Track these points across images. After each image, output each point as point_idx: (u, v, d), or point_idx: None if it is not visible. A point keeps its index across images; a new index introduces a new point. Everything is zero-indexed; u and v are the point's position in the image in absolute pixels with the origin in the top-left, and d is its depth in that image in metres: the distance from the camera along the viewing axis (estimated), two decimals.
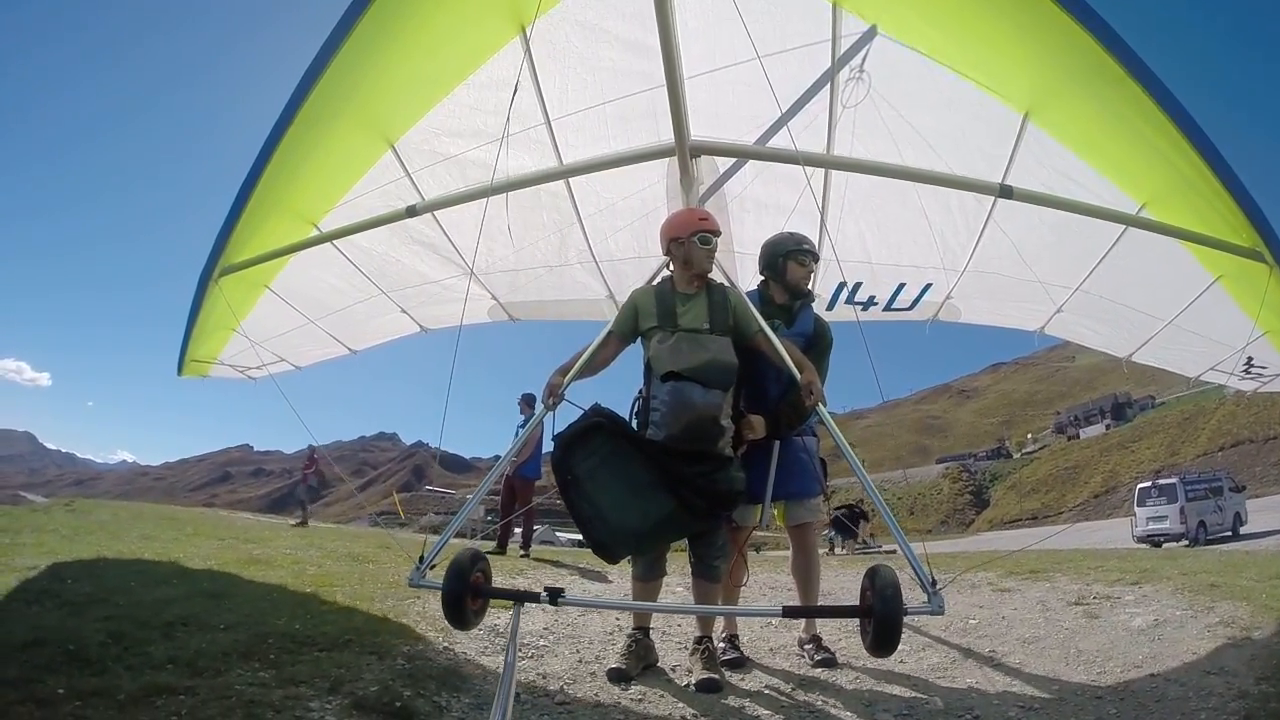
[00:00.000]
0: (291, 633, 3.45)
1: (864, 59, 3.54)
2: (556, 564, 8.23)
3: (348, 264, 4.93)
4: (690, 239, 3.51)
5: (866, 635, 2.73)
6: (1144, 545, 19.36)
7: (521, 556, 8.64)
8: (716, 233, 3.58)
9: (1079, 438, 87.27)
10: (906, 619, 2.67)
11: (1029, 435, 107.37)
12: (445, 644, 3.74)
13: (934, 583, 2.78)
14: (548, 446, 9.11)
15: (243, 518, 14.82)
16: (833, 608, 3.85)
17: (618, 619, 4.73)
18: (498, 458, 6.23)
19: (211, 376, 5.29)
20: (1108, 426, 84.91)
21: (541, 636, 4.21)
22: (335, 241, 4.53)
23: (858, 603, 2.85)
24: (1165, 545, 19.18)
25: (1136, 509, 22.91)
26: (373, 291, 5.31)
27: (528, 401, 9.43)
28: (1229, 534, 21.40)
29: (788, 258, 3.98)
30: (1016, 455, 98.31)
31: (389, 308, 5.57)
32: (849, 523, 20.55)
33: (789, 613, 3.37)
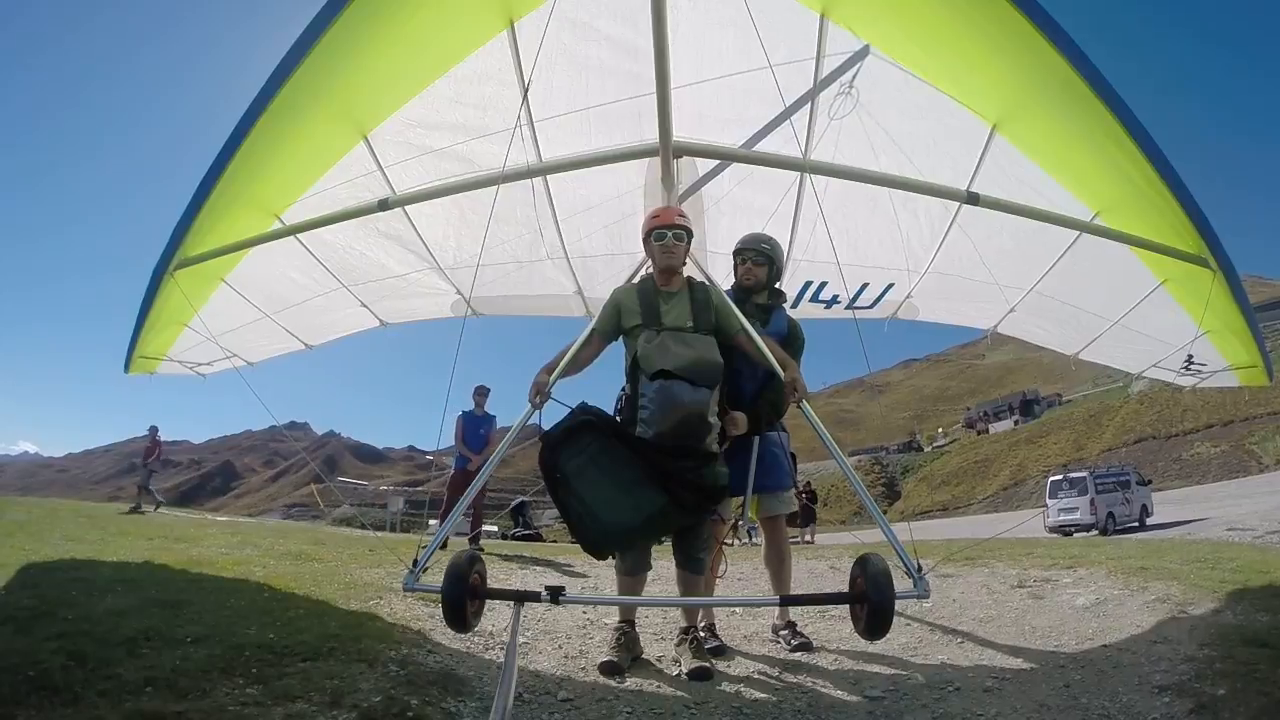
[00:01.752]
0: (267, 643, 3.30)
1: (855, 75, 3.67)
2: (507, 557, 8.19)
3: (309, 257, 4.79)
4: (648, 238, 3.62)
5: (859, 620, 2.87)
6: (1055, 535, 20.58)
7: (476, 551, 8.56)
8: (670, 226, 3.59)
9: (988, 432, 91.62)
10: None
11: (939, 429, 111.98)
12: (429, 646, 3.66)
13: (919, 568, 2.93)
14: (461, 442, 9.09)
15: (159, 513, 13.96)
16: (826, 595, 3.99)
17: (585, 611, 4.79)
18: (411, 448, 6.16)
19: (160, 374, 5.03)
20: (1016, 422, 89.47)
21: (520, 633, 4.17)
22: (298, 234, 4.38)
23: (844, 590, 3.00)
24: (1076, 535, 20.44)
25: (1048, 500, 24.33)
26: (333, 285, 5.18)
27: (483, 394, 9.49)
28: (1136, 525, 22.84)
29: (735, 256, 4.18)
30: (927, 449, 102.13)
31: (349, 302, 5.45)
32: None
33: (785, 601, 3.47)
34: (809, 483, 24.27)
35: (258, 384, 4.86)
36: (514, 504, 18.06)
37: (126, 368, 4.67)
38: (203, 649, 3.14)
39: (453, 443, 9.42)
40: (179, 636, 3.31)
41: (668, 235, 3.58)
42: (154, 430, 16.92)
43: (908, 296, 5.37)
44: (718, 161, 4.30)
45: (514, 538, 15.04)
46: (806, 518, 20.36)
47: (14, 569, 4.78)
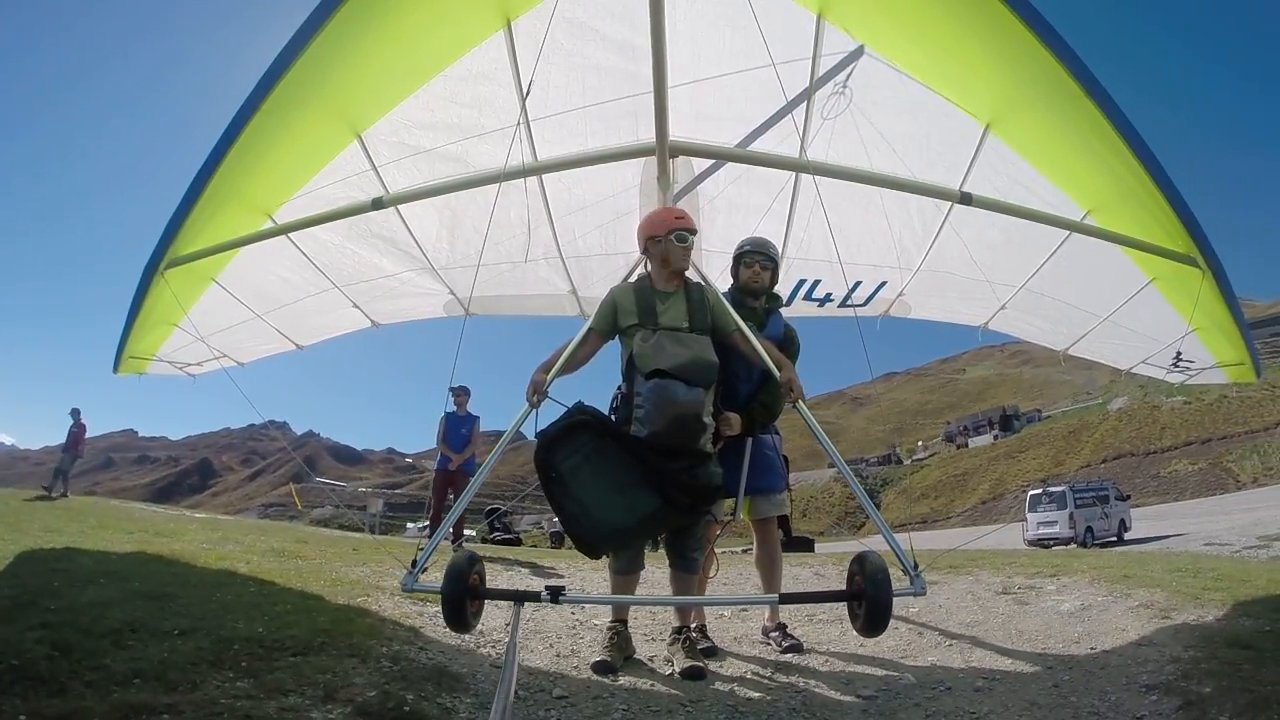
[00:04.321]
0: (256, 637, 3.26)
1: (849, 76, 3.71)
2: (491, 559, 8.16)
3: (300, 257, 4.75)
4: (668, 237, 3.58)
5: (857, 618, 2.89)
6: (1034, 548, 20.80)
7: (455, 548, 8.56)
8: (693, 231, 3.64)
9: (967, 447, 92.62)
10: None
11: (919, 443, 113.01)
12: (421, 642, 3.64)
13: (916, 567, 2.96)
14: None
15: (138, 508, 13.68)
16: (825, 593, 3.99)
17: (574, 612, 4.79)
18: (391, 450, 6.14)
19: (149, 374, 4.98)
20: (995, 437, 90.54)
21: (508, 634, 4.16)
22: (289, 234, 4.36)
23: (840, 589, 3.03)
24: (1054, 548, 20.71)
25: (1028, 514, 24.70)
26: (325, 285, 5.14)
27: (463, 393, 9.50)
28: (1114, 539, 23.25)
29: (738, 260, 4.18)
30: (907, 461, 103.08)
31: (340, 302, 5.40)
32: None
33: (785, 599, 3.48)
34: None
35: (239, 381, 4.82)
36: (486, 510, 17.96)
37: (116, 367, 4.62)
38: (190, 641, 3.09)
39: (435, 444, 9.44)
40: (165, 629, 3.26)
41: (690, 238, 3.61)
42: (77, 413, 15.80)
43: (900, 294, 5.40)
44: (713, 160, 4.33)
45: (493, 542, 14.98)
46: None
47: None
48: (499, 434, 4.00)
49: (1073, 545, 21.60)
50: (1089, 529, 22.91)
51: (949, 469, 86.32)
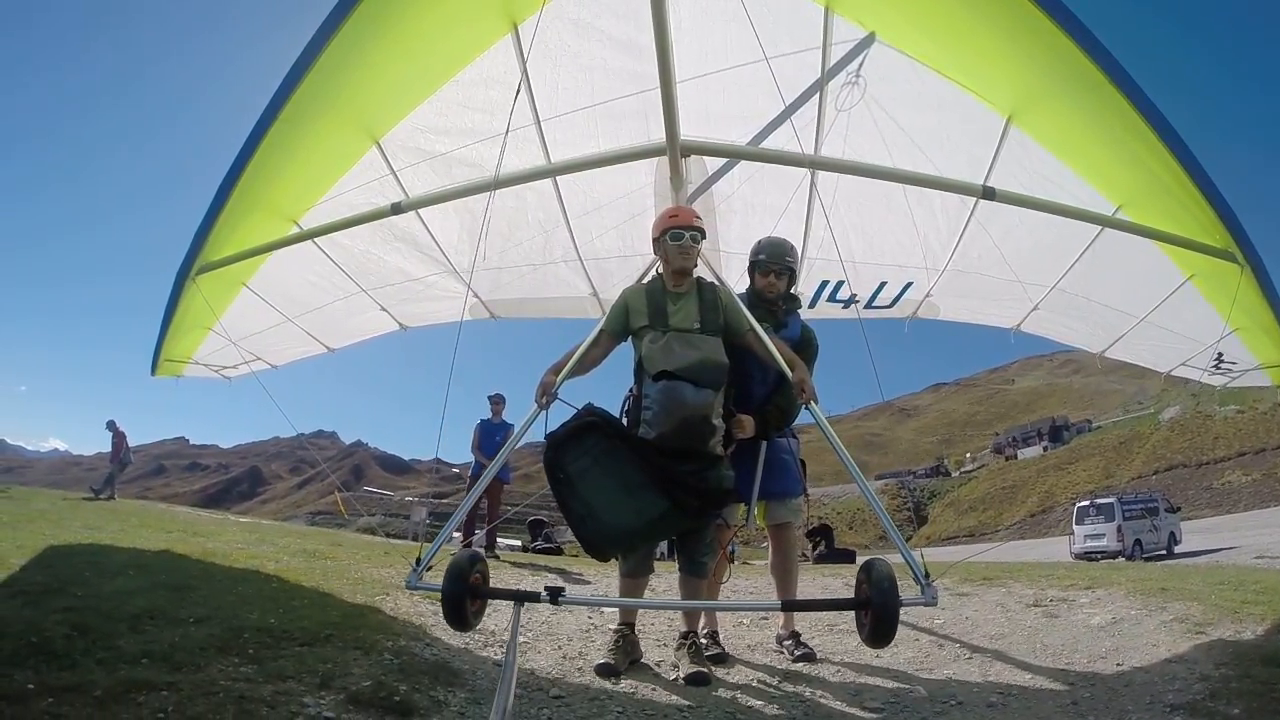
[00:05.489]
0: (267, 627, 3.35)
1: (860, 65, 3.64)
2: (519, 565, 8.20)
3: (327, 261, 4.85)
4: (662, 237, 3.57)
5: (863, 627, 2.80)
6: (1082, 561, 20.14)
7: (489, 558, 8.60)
8: (689, 228, 3.56)
9: (1016, 458, 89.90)
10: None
11: (968, 454, 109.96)
12: (427, 639, 3.68)
13: (927, 575, 2.86)
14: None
15: (183, 511, 14.18)
16: (830, 601, 3.89)
17: (590, 615, 4.77)
18: (438, 460, 6.20)
19: (185, 376, 5.14)
20: (1045, 448, 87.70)
21: (520, 634, 4.16)
22: (315, 239, 4.45)
23: (851, 597, 2.94)
24: (1102, 562, 20.01)
25: (1075, 526, 23.93)
26: (352, 289, 5.23)
27: (499, 401, 9.65)
28: (1164, 552, 22.36)
29: (754, 267, 4.12)
30: (955, 474, 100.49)
31: (368, 305, 5.49)
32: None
33: (788, 606, 3.42)
34: (822, 520, 22.60)
35: (289, 391, 4.93)
36: (529, 520, 18.01)
37: (153, 370, 4.79)
38: (203, 629, 3.19)
39: (473, 452, 9.56)
40: (182, 617, 3.37)
41: (685, 236, 3.55)
42: (113, 423, 16.64)
43: (927, 295, 5.25)
44: (726, 160, 4.27)
45: (535, 551, 15.05)
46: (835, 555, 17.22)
47: (32, 551, 4.93)
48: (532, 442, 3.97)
49: (1120, 559, 20.79)
50: (1137, 542, 22.06)
51: (997, 481, 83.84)
